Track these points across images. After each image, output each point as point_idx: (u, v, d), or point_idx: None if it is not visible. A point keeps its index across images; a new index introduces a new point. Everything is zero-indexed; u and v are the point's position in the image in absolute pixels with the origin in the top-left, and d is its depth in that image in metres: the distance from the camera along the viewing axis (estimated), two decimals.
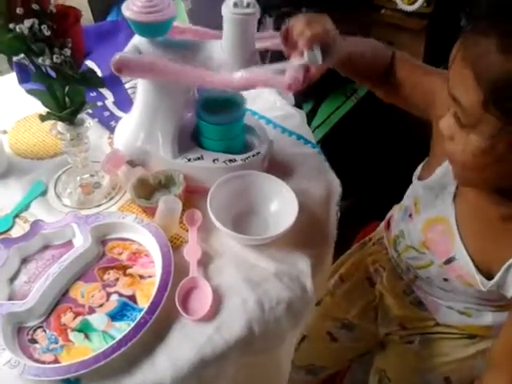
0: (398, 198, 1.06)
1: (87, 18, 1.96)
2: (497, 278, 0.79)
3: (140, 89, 0.89)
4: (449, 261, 0.86)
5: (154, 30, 0.83)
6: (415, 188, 0.96)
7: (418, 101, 0.90)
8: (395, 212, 1.06)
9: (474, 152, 0.69)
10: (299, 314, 0.80)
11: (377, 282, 1.10)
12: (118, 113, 1.07)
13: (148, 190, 0.90)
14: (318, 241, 0.87)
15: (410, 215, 0.96)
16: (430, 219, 0.90)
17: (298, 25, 0.77)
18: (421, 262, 0.95)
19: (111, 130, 1.02)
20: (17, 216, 0.89)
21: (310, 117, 1.70)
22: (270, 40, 0.88)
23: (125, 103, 1.06)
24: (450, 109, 0.72)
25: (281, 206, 0.87)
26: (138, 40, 0.85)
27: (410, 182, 0.99)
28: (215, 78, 0.79)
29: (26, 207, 0.90)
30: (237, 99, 0.92)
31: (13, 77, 1.14)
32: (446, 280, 0.91)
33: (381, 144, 1.78)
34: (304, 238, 0.86)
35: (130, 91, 1.11)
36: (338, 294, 1.15)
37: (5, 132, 1.04)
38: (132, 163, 0.93)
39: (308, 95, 1.69)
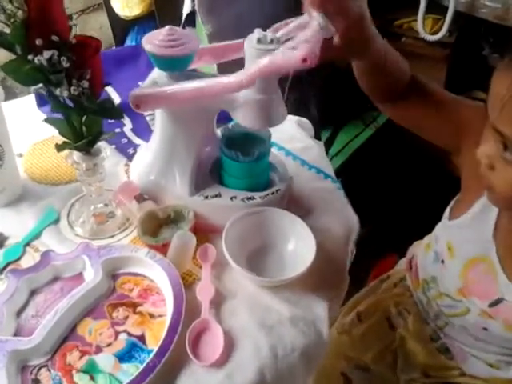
0: (416, 230, 1.03)
1: (108, 35, 1.98)
2: None
3: (158, 120, 0.88)
4: (495, 303, 0.82)
5: (174, 64, 0.81)
6: (447, 230, 0.92)
7: (444, 127, 0.86)
8: (419, 253, 1.02)
9: None
10: (313, 360, 0.77)
11: (399, 325, 1.06)
12: (135, 140, 1.06)
13: (156, 225, 0.87)
14: (334, 282, 0.84)
15: (443, 261, 0.91)
16: (469, 260, 0.85)
17: None
18: (456, 310, 0.90)
19: (128, 157, 1.01)
20: (27, 244, 0.87)
21: (328, 145, 1.68)
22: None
23: (143, 130, 1.04)
24: (490, 138, 0.69)
25: (298, 245, 0.85)
26: (157, 74, 0.83)
27: (429, 213, 0.95)
28: (231, 81, 0.74)
29: (38, 235, 0.88)
30: (262, 134, 0.90)
31: (31, 98, 1.13)
32: (485, 329, 0.87)
33: (399, 173, 1.75)
34: (320, 279, 0.83)
35: (148, 118, 1.09)
36: (355, 334, 1.11)
37: (20, 155, 1.03)
38: (142, 197, 0.90)
39: (326, 123, 1.67)
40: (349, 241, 0.91)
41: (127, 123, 1.09)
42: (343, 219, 0.94)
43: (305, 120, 1.16)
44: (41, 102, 1.09)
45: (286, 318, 0.77)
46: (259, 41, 0.75)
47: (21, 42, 0.67)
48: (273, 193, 0.88)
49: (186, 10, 1.62)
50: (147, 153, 0.92)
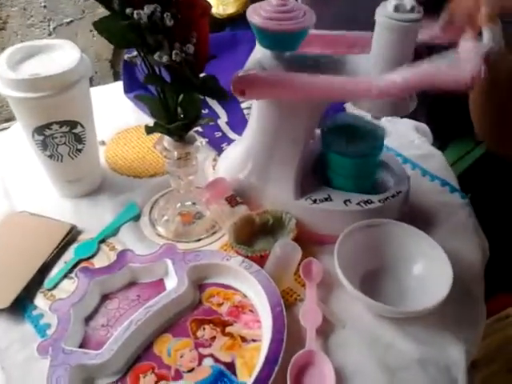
0: None
1: None
2: None
3: (255, 109, 0.74)
4: None
5: (284, 41, 0.67)
6: None
7: None
8: None
9: None
10: None
11: None
12: (231, 134, 0.93)
13: (250, 233, 0.74)
14: (471, 320, 0.67)
15: None
16: None
17: (467, 2, 0.61)
18: None
19: (221, 152, 0.88)
20: (103, 241, 0.76)
21: None
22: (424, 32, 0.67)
23: (239, 124, 0.91)
24: None
25: (426, 269, 0.68)
26: (261, 54, 0.70)
27: None
28: (378, 86, 0.60)
29: (115, 232, 0.77)
30: (374, 128, 0.75)
31: (118, 86, 1.04)
32: None
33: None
34: (455, 315, 0.66)
35: (245, 111, 0.97)
36: None
37: (103, 143, 0.93)
38: (235, 200, 0.77)
39: (434, 136, 1.50)
40: (482, 268, 0.74)
41: (222, 115, 0.97)
42: (476, 242, 0.77)
43: (423, 125, 1.01)
44: (129, 86, 0.99)
45: (413, 359, 0.61)
46: (396, 9, 0.61)
47: None
48: (393, 195, 0.73)
49: None
50: (239, 147, 0.79)
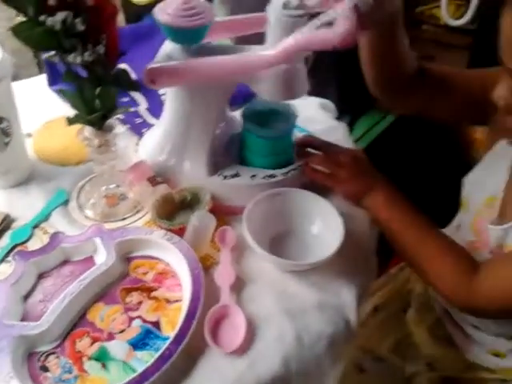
0: (439, 219, 0.98)
1: (121, 23, 1.93)
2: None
3: (169, 95, 0.82)
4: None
5: (189, 36, 0.76)
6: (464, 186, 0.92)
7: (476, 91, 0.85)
8: None
9: None
10: (341, 350, 0.72)
11: (410, 315, 1.03)
12: (151, 120, 1.01)
13: (171, 209, 0.82)
14: (363, 267, 0.79)
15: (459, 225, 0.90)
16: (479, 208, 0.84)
17: None
18: None
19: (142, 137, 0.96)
20: (36, 226, 0.82)
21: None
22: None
23: (159, 110, 0.98)
24: (504, 81, 0.70)
25: (324, 228, 0.79)
26: (170, 47, 0.78)
27: (452, 200, 0.93)
28: (264, 57, 0.70)
29: (46, 217, 0.84)
30: (286, 110, 0.85)
31: (42, 79, 1.09)
32: None
33: (419, 161, 1.70)
34: (348, 264, 0.77)
35: (163, 97, 1.04)
36: (371, 325, 1.06)
37: (29, 135, 0.98)
38: (155, 180, 0.85)
39: (345, 110, 1.62)
40: (374, 225, 0.86)
41: (142, 102, 1.04)
42: None
43: (327, 101, 1.11)
44: (52, 80, 1.04)
45: (313, 304, 0.72)
46: (285, 6, 0.70)
47: (33, 2, 0.62)
48: (294, 169, 0.83)
49: None
50: (157, 131, 0.87)
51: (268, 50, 0.70)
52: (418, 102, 0.91)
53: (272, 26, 0.73)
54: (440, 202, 0.97)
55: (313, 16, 0.70)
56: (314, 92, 1.13)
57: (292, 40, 0.68)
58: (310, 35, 0.66)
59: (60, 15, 0.62)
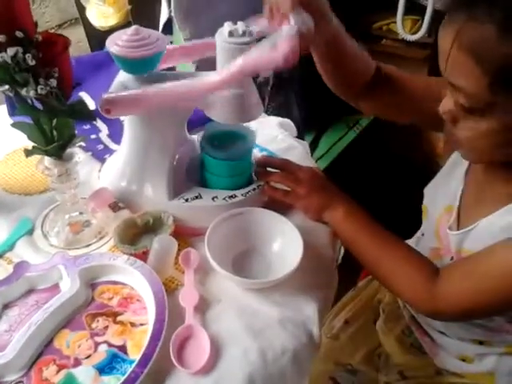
0: (402, 233, 1.01)
1: (86, 51, 1.94)
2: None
3: (127, 122, 0.84)
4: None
5: (140, 65, 0.78)
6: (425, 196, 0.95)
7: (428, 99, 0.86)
8: None
9: (486, 134, 0.69)
10: (305, 362, 0.74)
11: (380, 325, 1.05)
12: (112, 146, 1.02)
13: (134, 233, 0.83)
14: (323, 282, 0.81)
15: (423, 234, 0.93)
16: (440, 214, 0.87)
17: None
18: None
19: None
20: (0, 257, 0.83)
21: (312, 148, 1.66)
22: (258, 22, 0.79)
23: (120, 136, 1.00)
24: (448, 94, 0.72)
25: (284, 245, 0.81)
26: (124, 76, 0.80)
27: (415, 214, 0.95)
28: (211, 81, 0.73)
29: (11, 247, 0.84)
30: (245, 132, 0.87)
31: (3, 109, 1.09)
32: None
33: (384, 175, 1.73)
34: (309, 279, 0.79)
35: (124, 123, 1.06)
36: (343, 338, 1.08)
37: None
38: (117, 206, 0.86)
39: (310, 126, 1.65)
40: (335, 239, 0.88)
41: (103, 129, 1.05)
42: None
43: (287, 121, 1.14)
44: (13, 110, 1.05)
45: (275, 320, 0.73)
46: (231, 34, 0.73)
47: None
48: (254, 189, 0.85)
49: (163, 18, 1.59)
50: (118, 158, 0.89)
51: (215, 75, 0.73)
52: (381, 102, 0.94)
53: (219, 52, 0.75)
54: (407, 213, 1.00)
55: (259, 40, 0.73)
56: (277, 112, 1.16)
57: (238, 63, 0.70)
58: (256, 57, 0.69)
59: (10, 51, 0.63)
